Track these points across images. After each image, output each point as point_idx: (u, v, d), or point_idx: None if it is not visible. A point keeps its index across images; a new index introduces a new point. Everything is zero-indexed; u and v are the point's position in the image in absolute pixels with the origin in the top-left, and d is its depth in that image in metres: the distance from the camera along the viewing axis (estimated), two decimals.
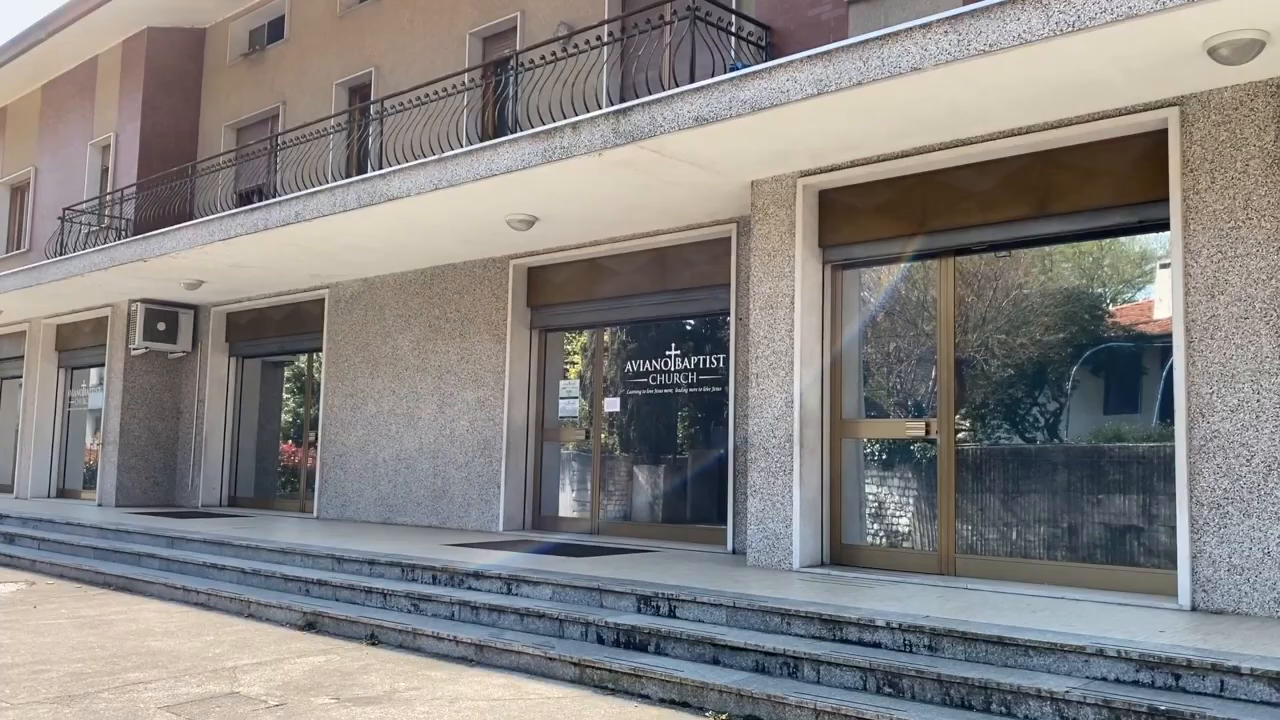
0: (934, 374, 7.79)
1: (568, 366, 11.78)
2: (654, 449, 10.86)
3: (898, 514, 8.12)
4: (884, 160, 7.71)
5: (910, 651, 5.43)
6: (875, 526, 8.25)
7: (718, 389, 10.05)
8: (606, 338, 11.18)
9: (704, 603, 6.35)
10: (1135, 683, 4.72)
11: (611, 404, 10.91)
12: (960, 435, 7.56)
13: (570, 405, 11.36)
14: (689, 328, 10.61)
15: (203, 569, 9.65)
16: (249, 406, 16.00)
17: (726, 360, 9.80)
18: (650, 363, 10.57)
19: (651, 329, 10.85)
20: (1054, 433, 7.47)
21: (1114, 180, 6.83)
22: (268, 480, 15.78)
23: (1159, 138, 6.59)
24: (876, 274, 8.41)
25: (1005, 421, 7.64)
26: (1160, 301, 6.73)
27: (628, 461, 10.99)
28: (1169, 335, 6.54)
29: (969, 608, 6.04)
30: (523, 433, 11.40)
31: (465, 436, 11.74)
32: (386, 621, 7.27)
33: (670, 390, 10.42)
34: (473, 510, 11.56)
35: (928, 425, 7.64)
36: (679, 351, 10.41)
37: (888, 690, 5.14)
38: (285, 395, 16.36)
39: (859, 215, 8.03)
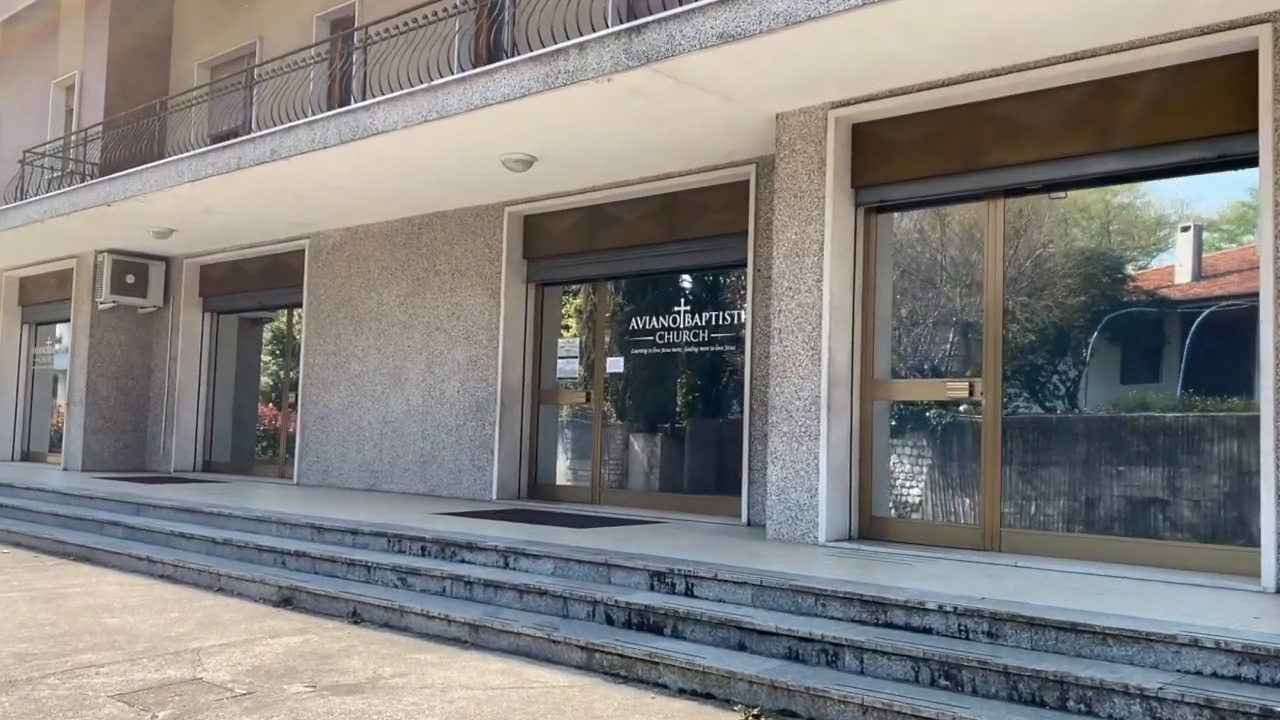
0: (955, 332, 7.20)
1: (567, 324, 11.19)
2: (661, 413, 10.31)
3: (932, 484, 7.58)
4: (926, 89, 7.09)
5: (967, 638, 4.89)
6: (908, 498, 7.71)
7: (732, 347, 9.47)
8: (609, 292, 10.58)
9: (726, 580, 5.80)
10: (1238, 678, 4.19)
11: (614, 364, 10.33)
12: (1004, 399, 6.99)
13: (569, 365, 10.78)
14: (701, 281, 10.01)
15: (170, 538, 9.10)
16: (225, 365, 15.41)
17: (743, 316, 9.21)
18: (657, 319, 9.98)
19: (659, 283, 10.26)
20: (1073, 401, 6.94)
21: (1189, 111, 6.23)
22: (245, 444, 15.22)
23: (1245, 60, 5.97)
24: (914, 218, 7.81)
25: (1025, 389, 7.09)
26: (1180, 266, 6.41)
27: (632, 426, 10.44)
28: (1192, 302, 6.19)
29: (1026, 588, 5.50)
30: (518, 394, 10.83)
31: (456, 398, 11.17)
32: (370, 598, 6.73)
33: (679, 349, 9.84)
34: (464, 477, 11.00)
35: (971, 386, 7.07)
36: (689, 307, 9.82)
37: (944, 683, 4.60)
38: (264, 354, 15.78)
39: (896, 152, 7.42)
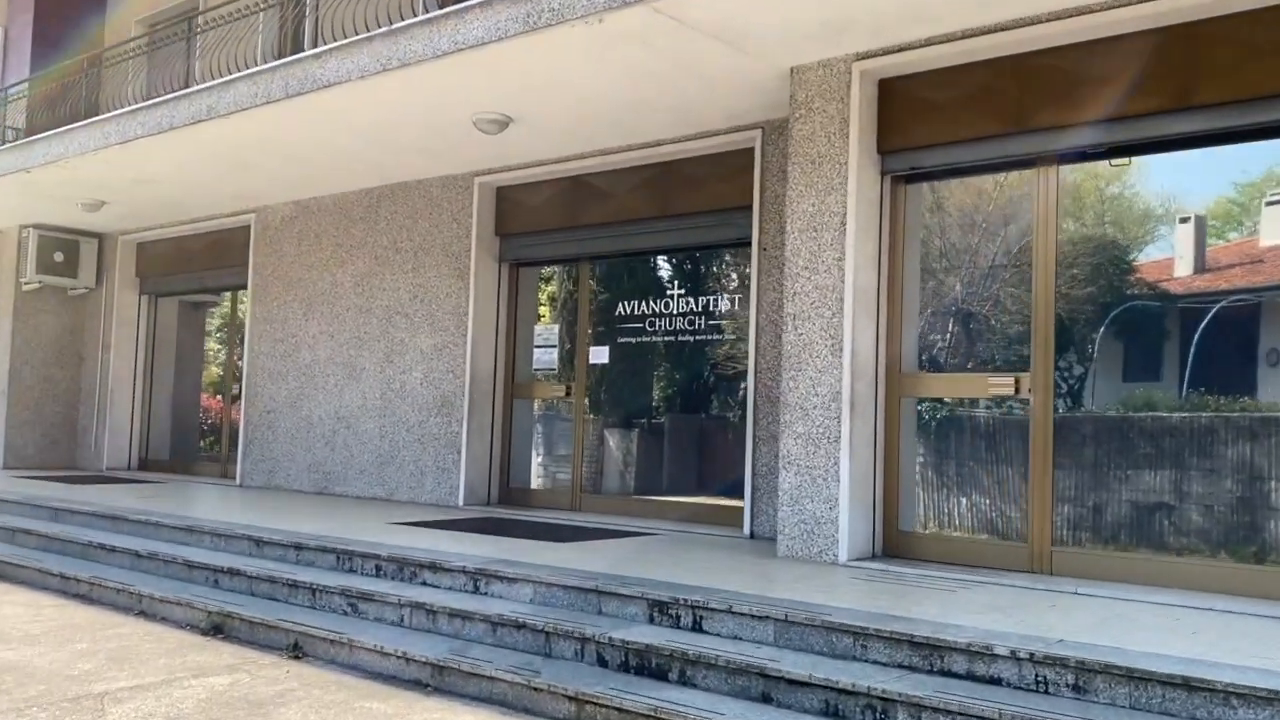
0: (990, 321, 6.41)
1: (544, 309, 10.31)
2: (650, 409, 9.47)
3: (965, 493, 6.78)
4: (968, 37, 6.28)
5: (1047, 692, 4.08)
6: (938, 509, 6.91)
7: (732, 336, 8.64)
8: (593, 274, 9.70)
9: (743, 613, 4.96)
10: None
11: (598, 354, 9.47)
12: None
13: (547, 355, 9.90)
14: (698, 261, 9.17)
15: (88, 550, 8.15)
16: (164, 353, 14.41)
17: (745, 300, 8.38)
18: (647, 304, 9.13)
19: (650, 264, 9.42)
20: (1077, 399, 6.23)
21: None
22: (186, 440, 14.24)
23: None
24: (949, 189, 7.00)
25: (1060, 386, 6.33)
26: (1181, 259, 6.04)
27: (617, 424, 9.59)
28: (1194, 296, 5.92)
29: (1102, 625, 4.70)
30: (489, 387, 9.94)
31: (419, 391, 10.26)
32: (315, 627, 5.85)
33: (671, 338, 9.00)
34: (427, 480, 10.11)
35: (1018, 382, 6.27)
36: (683, 291, 8.98)
37: None
38: (209, 341, 14.80)
39: (931, 111, 6.60)
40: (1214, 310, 6.14)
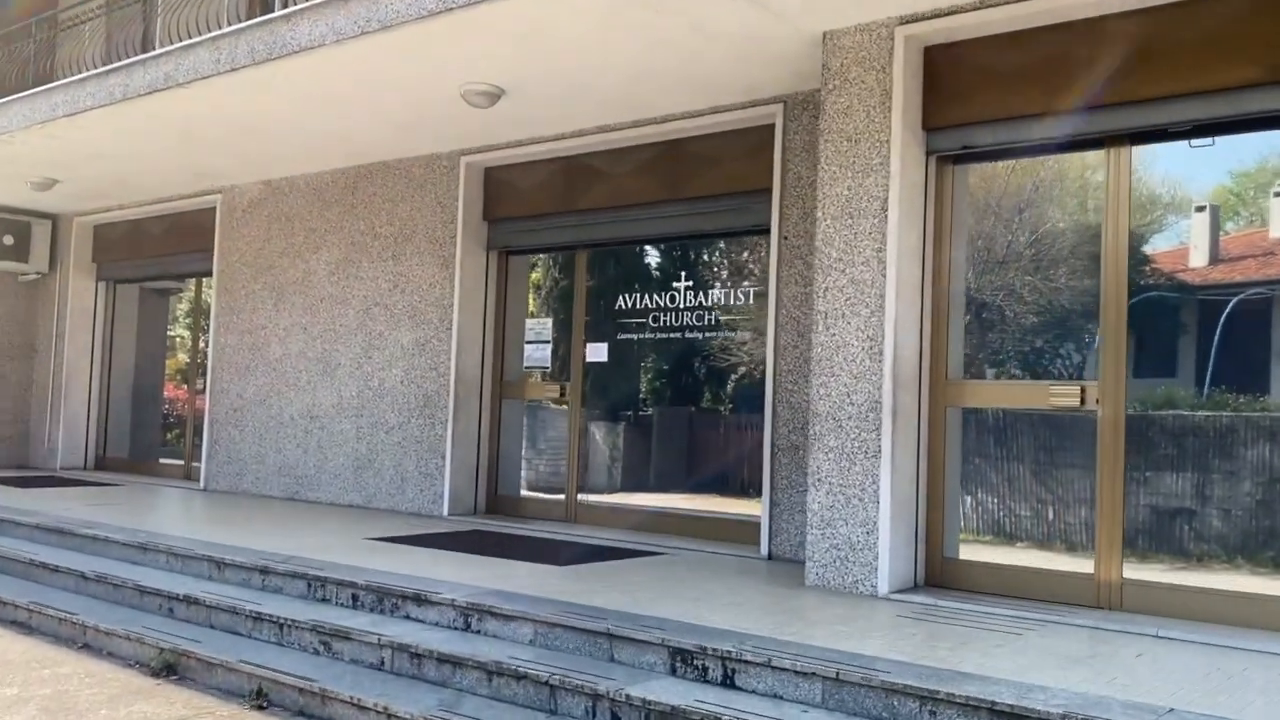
0: (1047, 320, 5.77)
1: (536, 302, 9.62)
2: (654, 414, 8.80)
3: (1020, 514, 6.14)
4: None
5: None
6: (985, 531, 6.27)
7: (748, 334, 7.97)
8: (591, 264, 9.00)
9: (783, 668, 4.31)
10: None
11: (596, 352, 8.79)
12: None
13: (540, 352, 9.21)
14: (709, 251, 8.49)
15: (30, 570, 7.45)
16: (124, 344, 13.64)
17: (762, 295, 7.71)
18: (651, 298, 8.46)
19: (655, 252, 8.75)
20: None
21: None
22: (147, 438, 13.50)
23: None
24: (1000, 172, 6.34)
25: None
26: (1196, 249, 5.75)
27: (617, 428, 8.93)
28: (1214, 288, 5.58)
29: (1207, 683, 4.07)
30: (476, 387, 9.25)
31: (399, 390, 9.55)
32: (282, 671, 5.17)
33: (678, 335, 8.32)
34: (408, 487, 9.40)
35: (1084, 392, 5.62)
36: (691, 283, 8.30)
37: None
38: (179, 330, 14.02)
39: (985, 82, 5.94)
40: (1232, 303, 5.77)
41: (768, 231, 7.52)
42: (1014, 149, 6.01)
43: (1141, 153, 5.65)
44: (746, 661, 4.40)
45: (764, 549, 7.25)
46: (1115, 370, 5.55)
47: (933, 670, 4.18)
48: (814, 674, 4.22)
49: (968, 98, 5.99)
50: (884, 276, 5.94)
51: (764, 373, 7.45)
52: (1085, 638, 4.91)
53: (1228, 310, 5.78)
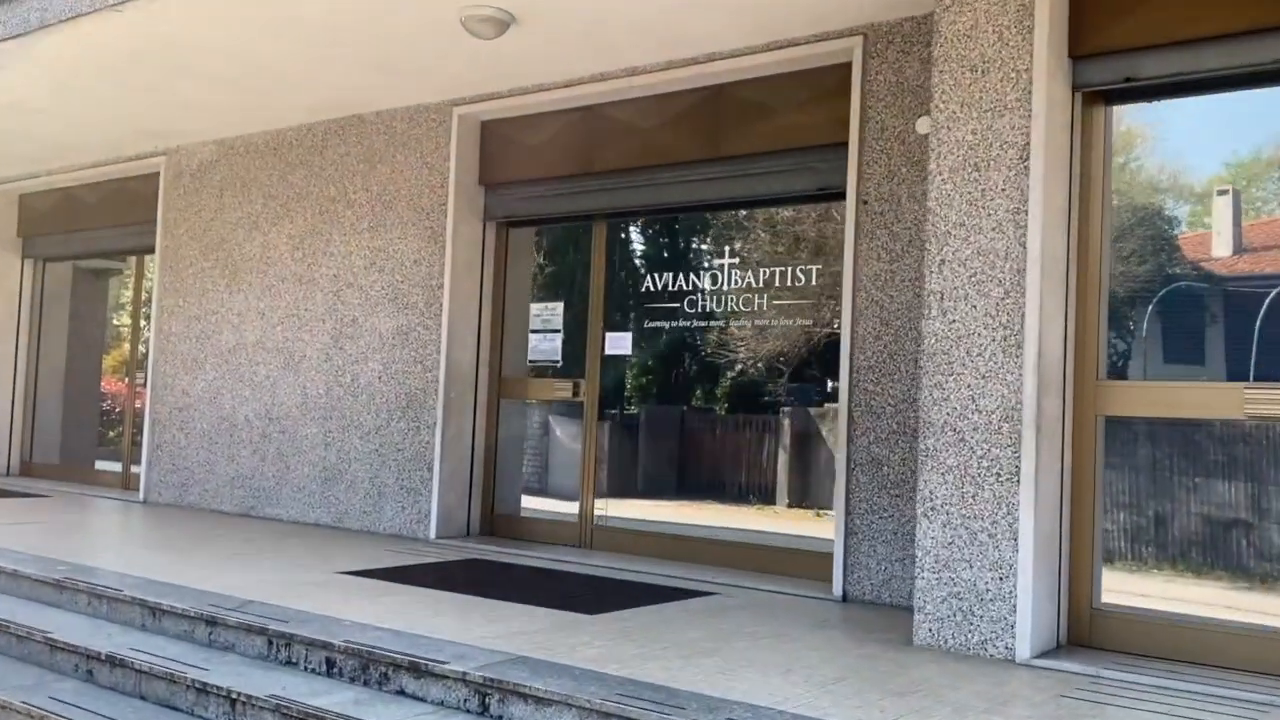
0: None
1: (546, 282, 8.37)
2: (687, 416, 7.58)
3: (1176, 549, 4.95)
4: None
5: None
6: (1129, 570, 5.07)
7: (808, 321, 6.74)
8: (612, 238, 7.76)
9: None
10: None
11: (618, 343, 7.56)
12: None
13: (548, 344, 7.95)
14: (760, 220, 7.26)
15: None
16: (54, 333, 12.29)
17: (829, 274, 6.50)
18: (688, 278, 7.26)
19: (692, 224, 7.49)
20: None
21: None
22: (81, 441, 12.13)
23: None
24: (1158, 113, 5.13)
25: None
26: (1219, 236, 5.08)
27: (642, 434, 7.70)
28: (1240, 278, 4.89)
29: None
30: (470, 384, 7.99)
31: (377, 387, 8.25)
32: None
33: (720, 323, 7.14)
34: (387, 504, 8.11)
35: None
36: (738, 259, 7.06)
37: None
38: (119, 316, 12.63)
39: None
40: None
41: (839, 196, 6.33)
42: (1192, 81, 4.77)
43: None
44: None
45: (837, 588, 6.03)
46: None
47: None
48: None
49: (1130, 15, 4.77)
50: (1023, 246, 4.72)
51: (832, 368, 6.22)
52: None
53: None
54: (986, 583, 4.72)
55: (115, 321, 12.77)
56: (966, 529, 4.78)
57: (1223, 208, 5.09)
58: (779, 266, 6.88)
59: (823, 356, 6.67)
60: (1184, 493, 4.91)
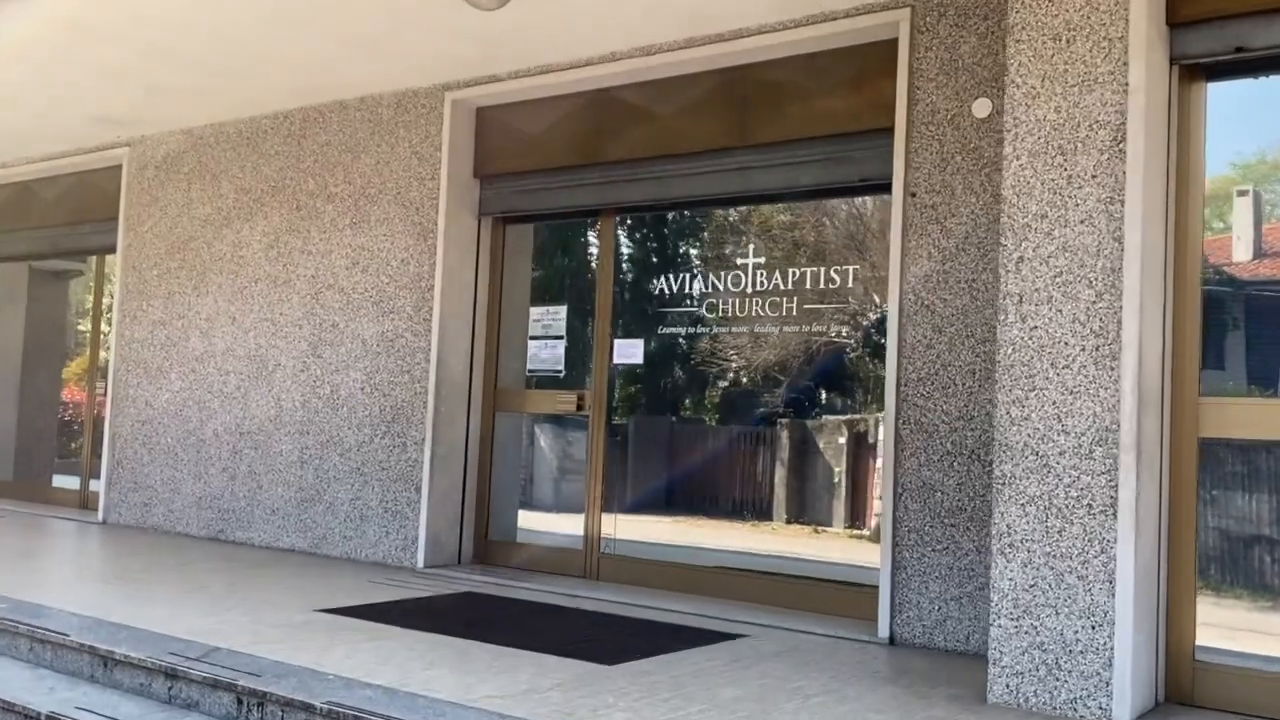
0: None
1: (546, 285, 7.77)
2: (706, 433, 6.98)
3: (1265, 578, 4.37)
4: None
5: None
6: (1238, 618, 4.49)
7: (843, 325, 6.15)
8: (622, 234, 7.16)
9: None
10: None
11: (628, 351, 6.97)
12: None
13: (550, 351, 7.34)
14: (790, 213, 6.67)
15: None
16: (8, 340, 11.61)
17: (868, 275, 5.92)
18: (706, 280, 6.65)
19: (713, 219, 6.91)
20: None
21: None
22: (37, 455, 11.42)
23: None
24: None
25: None
26: (1239, 240, 4.82)
27: (656, 453, 7.11)
28: (1262, 283, 4.57)
29: None
30: (463, 396, 7.37)
31: (360, 399, 7.61)
32: None
33: (743, 329, 6.52)
34: (370, 528, 7.47)
35: None
36: (763, 259, 6.48)
37: None
38: (84, 327, 11.92)
39: None
40: None
41: (882, 188, 5.77)
42: None
43: None
44: None
45: (884, 628, 5.43)
46: None
47: None
48: None
49: None
50: (1118, 241, 4.14)
51: (873, 380, 5.64)
52: None
53: None
54: (1076, 632, 4.12)
55: (81, 327, 12.10)
56: (1051, 569, 4.19)
57: (1243, 209, 4.72)
58: (810, 266, 6.28)
59: (864, 368, 6.09)
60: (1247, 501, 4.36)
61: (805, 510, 6.48)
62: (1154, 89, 4.21)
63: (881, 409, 5.59)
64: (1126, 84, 4.16)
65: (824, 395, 6.44)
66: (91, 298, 11.22)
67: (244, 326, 8.42)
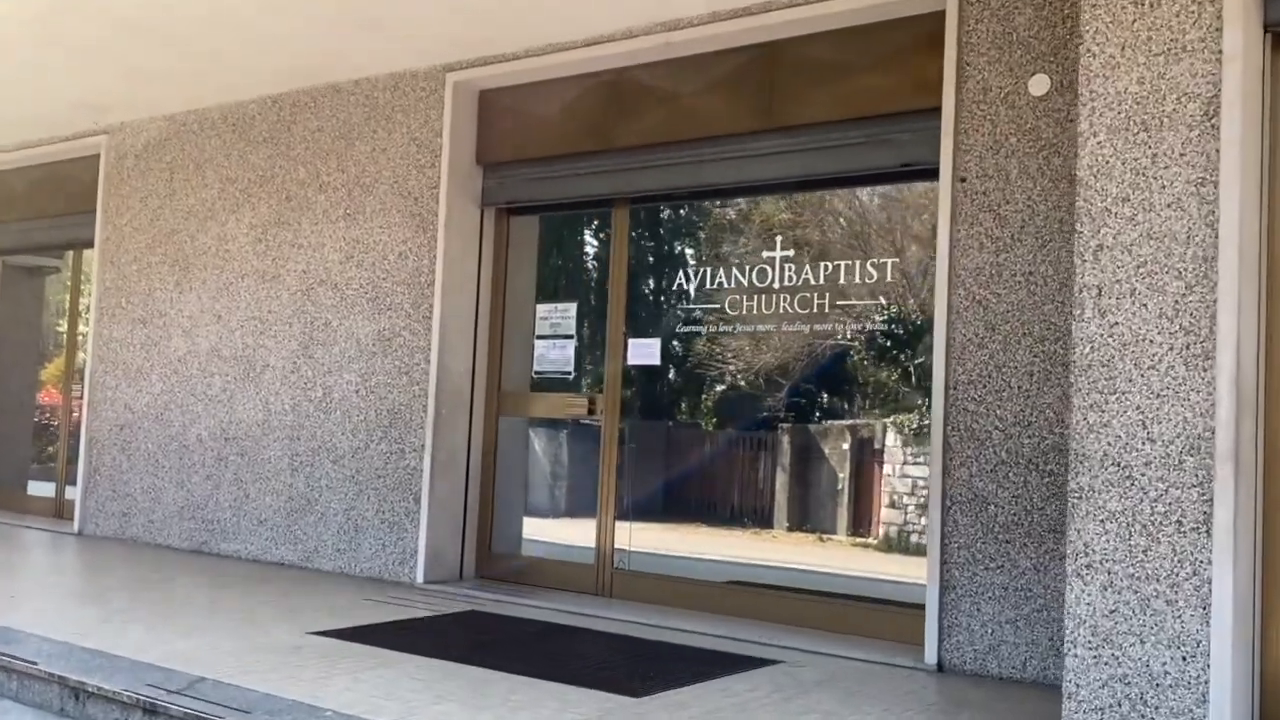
0: None
1: (555, 280, 7.36)
2: (728, 439, 6.59)
3: None
4: None
5: None
6: None
7: (884, 321, 5.77)
8: (637, 226, 6.77)
9: None
10: None
11: (643, 351, 6.58)
12: None
13: (559, 351, 6.94)
14: (822, 204, 6.28)
15: None
16: None
17: (909, 269, 5.54)
18: (729, 275, 6.26)
19: (737, 208, 6.52)
20: None
21: None
22: (11, 459, 10.98)
23: None
24: None
25: None
26: None
27: (673, 460, 6.72)
28: None
29: None
30: (465, 399, 6.98)
31: (354, 402, 7.20)
32: None
33: (770, 327, 6.13)
34: (365, 540, 7.06)
35: None
36: (792, 251, 6.08)
37: None
38: (61, 327, 11.51)
39: None
40: None
41: (927, 173, 5.37)
42: None
43: None
44: None
45: (930, 654, 5.04)
46: None
47: None
48: None
49: None
50: (1211, 228, 3.75)
51: (914, 381, 5.25)
52: None
53: None
54: (1164, 663, 3.72)
55: (59, 327, 11.68)
56: (1136, 593, 3.79)
57: None
58: (845, 259, 5.89)
59: (902, 369, 5.70)
60: None
61: (860, 523, 6.08)
62: (1251, 58, 3.81)
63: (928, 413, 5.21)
64: (1220, 52, 3.77)
65: (856, 400, 6.04)
66: (68, 296, 10.80)
67: (230, 325, 7.99)
